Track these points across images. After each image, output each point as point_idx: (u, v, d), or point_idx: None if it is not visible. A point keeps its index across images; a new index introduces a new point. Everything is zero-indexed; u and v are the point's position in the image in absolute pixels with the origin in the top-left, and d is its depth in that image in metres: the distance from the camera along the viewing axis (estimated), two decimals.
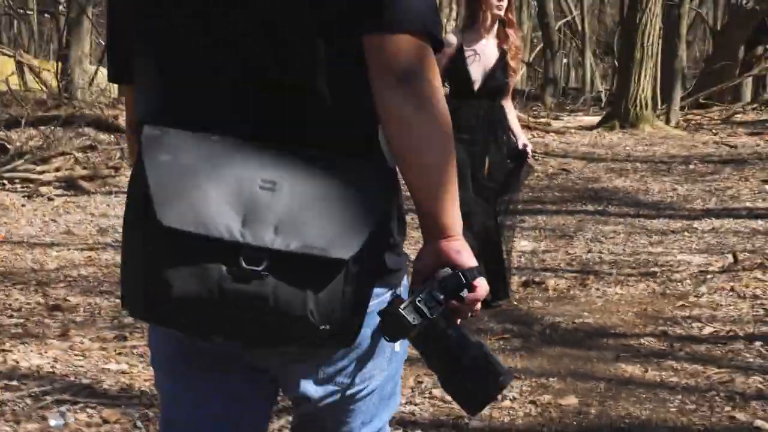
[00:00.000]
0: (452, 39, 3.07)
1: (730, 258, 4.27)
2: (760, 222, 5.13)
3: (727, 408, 2.47)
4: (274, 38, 0.80)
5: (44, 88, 9.74)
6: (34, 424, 2.26)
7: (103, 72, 9.49)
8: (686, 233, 5.09)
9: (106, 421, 2.33)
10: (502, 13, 3.04)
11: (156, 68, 0.84)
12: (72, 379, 2.66)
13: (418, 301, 0.77)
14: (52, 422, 2.25)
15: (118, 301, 3.31)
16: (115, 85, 6.69)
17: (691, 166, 7.16)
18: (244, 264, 0.70)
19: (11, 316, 3.50)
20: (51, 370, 2.76)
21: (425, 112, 0.79)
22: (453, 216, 0.84)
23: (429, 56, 0.80)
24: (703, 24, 17.02)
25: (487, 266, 3.05)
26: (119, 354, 3.00)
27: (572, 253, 4.81)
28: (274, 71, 0.81)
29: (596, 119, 9.84)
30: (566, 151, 8.16)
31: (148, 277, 0.72)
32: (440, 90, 0.83)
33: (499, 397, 2.07)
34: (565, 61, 18.59)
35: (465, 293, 0.80)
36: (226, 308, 0.72)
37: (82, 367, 2.83)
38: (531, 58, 16.66)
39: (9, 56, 10.90)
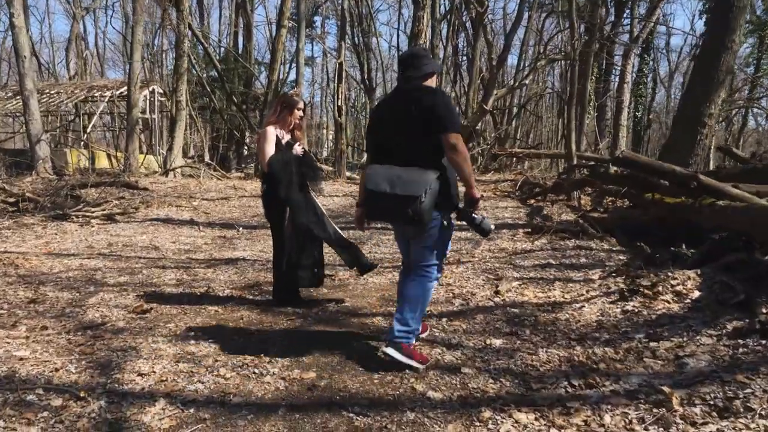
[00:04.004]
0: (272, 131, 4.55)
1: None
2: (463, 233, 7.54)
3: (412, 380, 3.16)
4: (404, 131, 3.17)
5: (114, 167, 18.53)
6: None
7: (148, 157, 20.59)
8: None
9: None
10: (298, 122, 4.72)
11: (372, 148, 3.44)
12: None
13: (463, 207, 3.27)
14: None
15: (77, 295, 4.94)
16: (149, 164, 16.81)
17: None
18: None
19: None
20: None
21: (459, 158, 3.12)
22: (470, 183, 3.21)
23: (459, 138, 3.11)
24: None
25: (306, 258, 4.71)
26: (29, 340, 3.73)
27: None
28: (403, 143, 3.19)
29: None
30: None
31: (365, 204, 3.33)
32: (462, 149, 3.12)
33: (262, 371, 3.26)
34: None
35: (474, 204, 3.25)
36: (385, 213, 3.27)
37: None
38: None
39: (103, 151, 22.06)
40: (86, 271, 6.04)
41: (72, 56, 32.90)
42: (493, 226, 3.33)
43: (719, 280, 3.90)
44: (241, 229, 9.25)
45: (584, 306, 4.29)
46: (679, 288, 4.00)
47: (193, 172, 16.92)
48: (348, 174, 17.08)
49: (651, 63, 27.18)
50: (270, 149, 4.46)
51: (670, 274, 4.21)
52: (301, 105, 4.74)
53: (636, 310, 3.88)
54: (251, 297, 5.08)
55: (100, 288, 5.30)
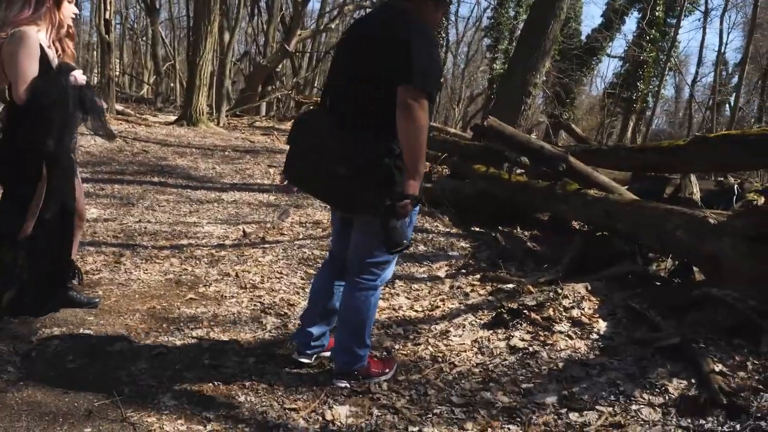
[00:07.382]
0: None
1: (241, 231, 5.01)
2: (264, 195, 6.62)
3: None
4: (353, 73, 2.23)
5: None
6: None
7: None
8: (216, 203, 6.11)
9: None
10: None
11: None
12: None
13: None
14: None
15: None
16: None
17: (227, 153, 9.52)
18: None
19: None
20: None
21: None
22: (412, 168, 2.13)
23: (420, 100, 2.07)
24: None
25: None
26: None
27: (125, 222, 5.07)
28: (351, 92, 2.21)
29: (173, 118, 13.17)
30: (149, 137, 10.23)
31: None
32: (417, 114, 2.07)
33: None
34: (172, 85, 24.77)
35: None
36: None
37: None
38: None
39: None
40: None
41: None
42: (408, 242, 2.29)
43: (624, 305, 2.98)
44: None
45: (450, 331, 3.10)
46: (575, 313, 3.00)
47: None
48: (119, 108, 14.06)
49: (445, 26, 27.35)
50: (33, 67, 2.59)
51: (559, 291, 3.19)
52: None
53: (530, 349, 2.75)
54: None
55: None
